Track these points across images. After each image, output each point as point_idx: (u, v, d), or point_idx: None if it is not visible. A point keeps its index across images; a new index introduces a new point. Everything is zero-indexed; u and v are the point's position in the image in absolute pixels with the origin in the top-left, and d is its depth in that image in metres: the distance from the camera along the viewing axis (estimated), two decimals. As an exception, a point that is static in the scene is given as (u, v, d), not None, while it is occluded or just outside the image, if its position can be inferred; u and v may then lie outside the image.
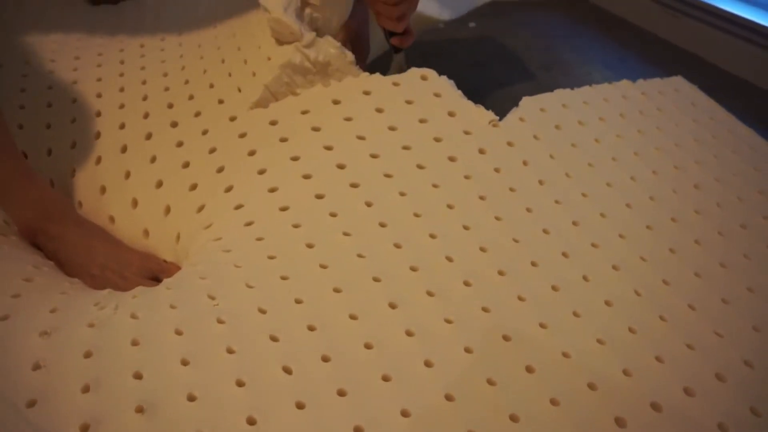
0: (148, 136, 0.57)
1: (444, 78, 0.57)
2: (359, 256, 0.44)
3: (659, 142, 0.58)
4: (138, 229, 0.54)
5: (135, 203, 0.54)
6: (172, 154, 0.56)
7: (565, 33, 1.29)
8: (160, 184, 0.54)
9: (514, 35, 1.24)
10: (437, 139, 0.53)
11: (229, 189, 0.51)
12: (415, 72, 0.57)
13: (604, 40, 1.25)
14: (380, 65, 0.65)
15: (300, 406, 0.35)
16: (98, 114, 0.61)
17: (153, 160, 0.56)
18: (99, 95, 0.62)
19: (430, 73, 0.57)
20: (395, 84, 0.56)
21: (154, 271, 0.51)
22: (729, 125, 0.62)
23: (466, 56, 1.12)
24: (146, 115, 0.60)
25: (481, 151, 0.53)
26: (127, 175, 0.55)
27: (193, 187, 0.53)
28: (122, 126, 0.59)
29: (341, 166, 0.51)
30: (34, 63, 0.67)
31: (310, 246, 0.45)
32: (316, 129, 0.53)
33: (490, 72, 1.06)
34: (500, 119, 0.56)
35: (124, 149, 0.57)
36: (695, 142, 0.58)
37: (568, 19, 1.35)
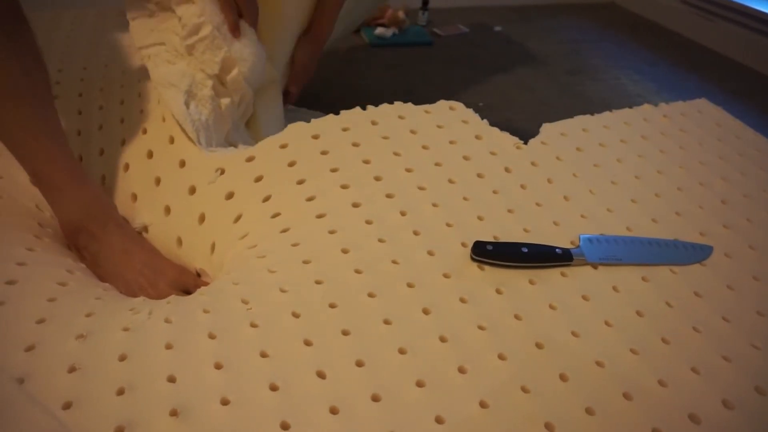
0: (171, 140, 0.58)
1: (471, 110, 0.61)
2: (393, 262, 0.45)
3: (683, 161, 0.59)
4: (171, 237, 0.54)
5: (168, 210, 0.55)
6: (203, 163, 0.56)
7: (594, 37, 1.25)
8: (193, 191, 0.54)
9: (539, 39, 1.22)
10: (466, 158, 0.55)
11: (267, 199, 0.52)
12: (443, 103, 0.61)
13: (635, 45, 1.20)
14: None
15: (334, 411, 0.35)
16: (122, 121, 0.62)
17: (182, 164, 0.56)
18: (122, 102, 0.65)
19: (457, 104, 0.61)
20: (427, 111, 0.60)
21: (188, 285, 0.51)
22: (757, 144, 0.62)
23: (491, 61, 1.10)
24: (163, 119, 0.60)
25: (507, 170, 0.55)
26: (158, 181, 0.56)
27: (230, 195, 0.53)
28: (144, 131, 0.60)
29: (378, 178, 0.52)
30: (66, 70, 0.70)
31: (345, 251, 0.46)
32: (355, 144, 0.55)
33: (516, 77, 1.03)
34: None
35: (150, 155, 0.58)
36: (721, 160, 0.59)
37: (596, 24, 1.31)
